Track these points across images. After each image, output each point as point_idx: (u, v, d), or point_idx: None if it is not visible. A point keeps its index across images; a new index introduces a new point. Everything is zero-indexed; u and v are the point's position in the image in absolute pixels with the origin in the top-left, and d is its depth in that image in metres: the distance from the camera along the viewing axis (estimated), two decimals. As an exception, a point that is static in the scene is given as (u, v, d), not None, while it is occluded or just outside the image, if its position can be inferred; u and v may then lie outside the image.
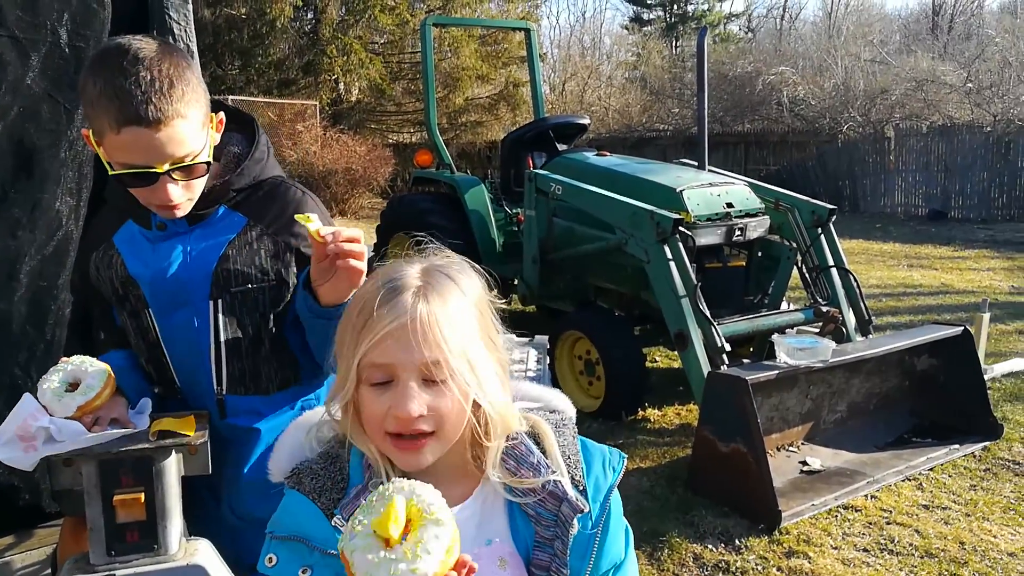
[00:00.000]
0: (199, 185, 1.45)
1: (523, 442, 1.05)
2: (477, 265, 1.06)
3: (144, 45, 1.34)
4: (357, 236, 1.32)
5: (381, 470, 1.00)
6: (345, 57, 17.68)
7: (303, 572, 0.97)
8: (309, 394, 1.61)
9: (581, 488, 1.04)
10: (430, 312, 0.94)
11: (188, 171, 1.40)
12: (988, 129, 14.97)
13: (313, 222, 1.32)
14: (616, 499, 1.07)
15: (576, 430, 1.12)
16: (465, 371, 0.95)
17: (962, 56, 18.47)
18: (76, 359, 1.43)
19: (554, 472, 1.03)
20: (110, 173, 1.39)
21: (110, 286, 1.55)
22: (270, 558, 0.99)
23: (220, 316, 1.50)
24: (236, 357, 1.53)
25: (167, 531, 1.36)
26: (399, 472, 0.99)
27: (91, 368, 1.41)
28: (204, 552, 1.39)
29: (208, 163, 1.43)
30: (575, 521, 1.01)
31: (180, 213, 1.45)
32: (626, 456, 1.11)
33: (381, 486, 0.84)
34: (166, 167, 1.36)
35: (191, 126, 1.37)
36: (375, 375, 0.96)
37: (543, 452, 1.05)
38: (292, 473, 1.05)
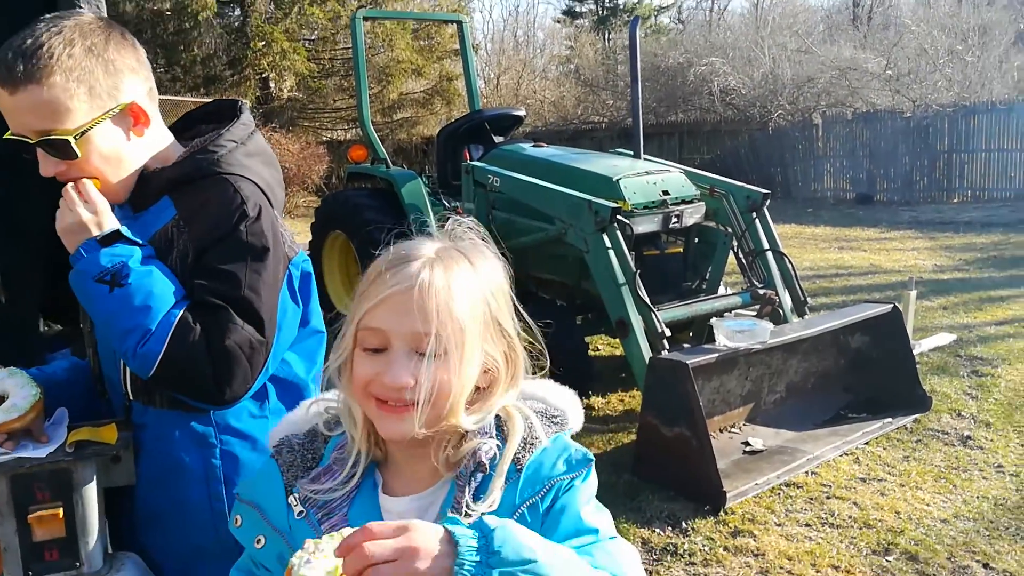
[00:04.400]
0: (104, 168, 1.32)
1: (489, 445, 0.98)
2: (499, 252, 1.03)
3: (71, 14, 1.28)
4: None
5: (358, 454, 1.00)
6: (270, 49, 17.20)
7: (257, 541, 0.99)
8: (208, 424, 1.38)
9: (519, 467, 0.97)
10: (432, 283, 0.92)
11: (53, 147, 1.27)
12: (908, 115, 15.55)
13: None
14: (574, 498, 0.96)
15: (565, 435, 1.03)
16: (454, 350, 0.92)
17: (881, 45, 19.10)
18: (12, 374, 1.35)
19: (486, 440, 0.98)
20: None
21: None
22: (236, 519, 1.02)
23: None
24: None
25: (89, 547, 1.28)
26: (375, 448, 1.00)
27: (22, 388, 1.33)
28: (131, 568, 1.32)
29: (66, 141, 1.26)
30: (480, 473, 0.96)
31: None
32: (592, 459, 0.99)
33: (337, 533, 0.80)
34: (36, 139, 1.26)
35: (56, 97, 1.24)
36: (369, 340, 0.94)
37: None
38: (278, 443, 1.06)
